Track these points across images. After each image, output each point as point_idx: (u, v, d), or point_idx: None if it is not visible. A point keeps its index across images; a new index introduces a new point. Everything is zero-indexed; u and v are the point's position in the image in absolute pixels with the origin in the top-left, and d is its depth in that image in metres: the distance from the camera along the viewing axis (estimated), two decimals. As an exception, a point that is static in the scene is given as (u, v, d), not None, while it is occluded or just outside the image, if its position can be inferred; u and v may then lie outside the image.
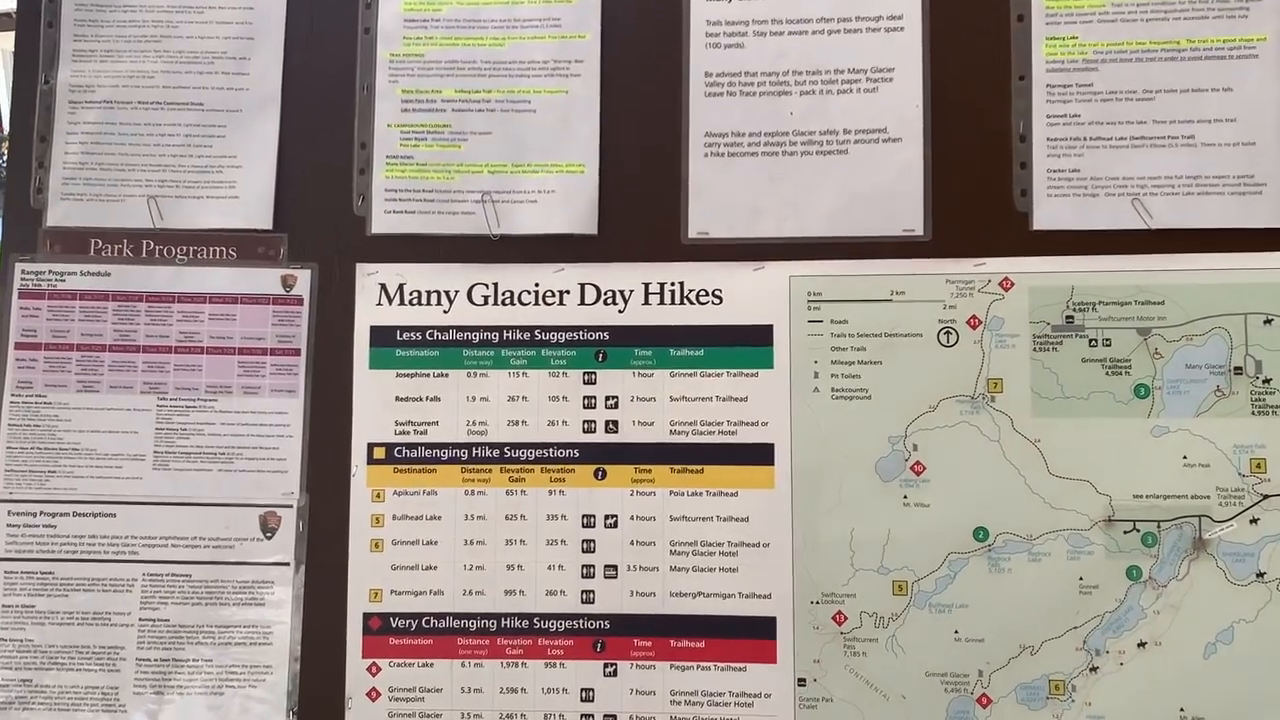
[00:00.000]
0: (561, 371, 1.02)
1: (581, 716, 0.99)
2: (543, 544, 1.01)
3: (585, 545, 1.01)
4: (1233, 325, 0.96)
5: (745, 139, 1.02)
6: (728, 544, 0.99)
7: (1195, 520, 0.95)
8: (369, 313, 1.04)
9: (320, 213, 1.05)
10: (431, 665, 1.00)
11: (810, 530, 0.99)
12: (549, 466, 1.01)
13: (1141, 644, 0.95)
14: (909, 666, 0.97)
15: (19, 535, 1.02)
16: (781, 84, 1.03)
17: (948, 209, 1.00)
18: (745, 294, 1.01)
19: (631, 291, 1.02)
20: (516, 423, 1.02)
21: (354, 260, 1.04)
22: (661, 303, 1.02)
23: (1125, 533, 0.95)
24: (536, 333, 1.03)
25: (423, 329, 1.03)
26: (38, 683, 1.01)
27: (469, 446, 1.02)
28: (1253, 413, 0.95)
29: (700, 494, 1.00)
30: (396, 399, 1.03)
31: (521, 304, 1.03)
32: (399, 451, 1.02)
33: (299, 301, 1.04)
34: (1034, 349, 0.98)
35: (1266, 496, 0.95)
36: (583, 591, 1.00)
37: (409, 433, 1.03)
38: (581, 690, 1.00)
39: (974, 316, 0.99)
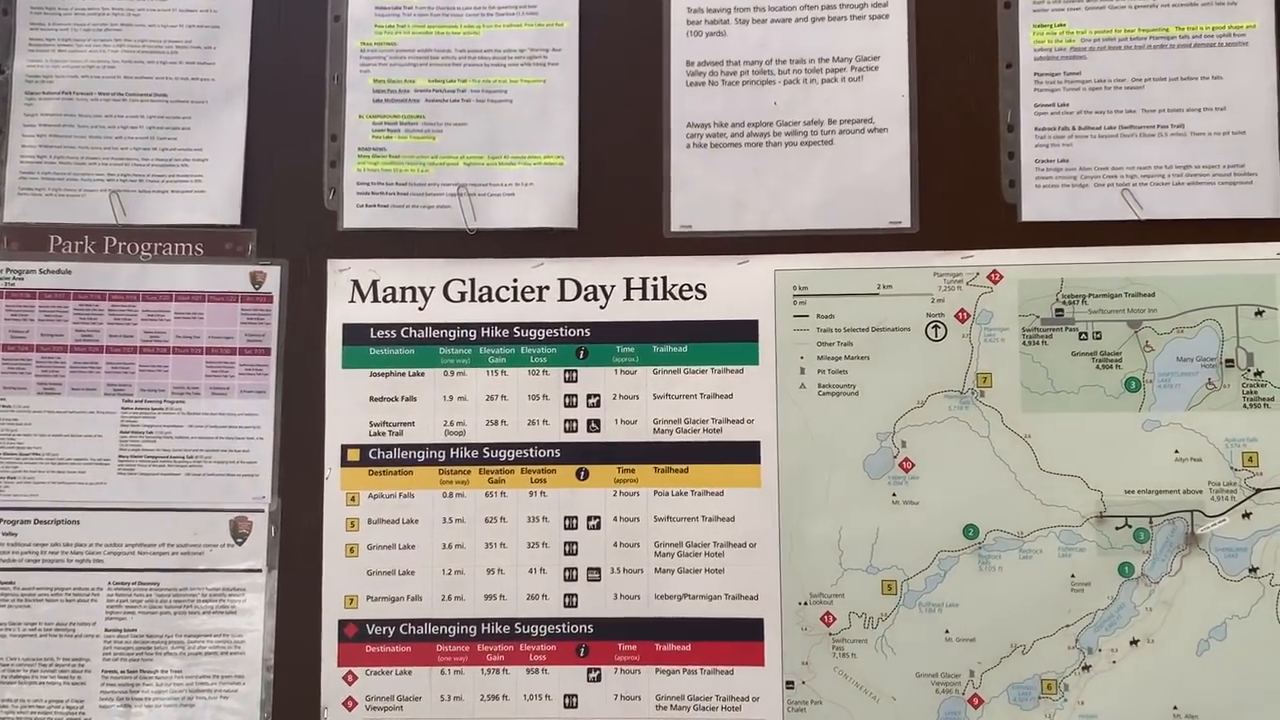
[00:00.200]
0: (541, 369, 1.00)
1: (565, 723, 0.98)
2: (523, 547, 0.99)
3: (567, 547, 0.99)
4: (1224, 317, 0.95)
5: (728, 129, 1.00)
6: (713, 544, 0.98)
7: (1187, 515, 0.94)
8: (341, 310, 1.01)
9: (290, 207, 1.02)
10: (410, 673, 0.98)
11: (797, 530, 0.97)
12: (529, 467, 0.99)
13: (1134, 641, 0.94)
14: (899, 667, 0.96)
15: (-22, 544, 1.00)
16: (765, 73, 1.01)
17: (935, 200, 0.99)
18: (729, 288, 1.00)
19: (613, 287, 1.00)
20: (496, 422, 1.00)
21: (325, 256, 1.02)
22: (644, 298, 1.00)
23: (1117, 529, 0.95)
24: (515, 330, 1.01)
25: (397, 327, 1.01)
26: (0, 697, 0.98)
27: (446, 447, 1.00)
28: (1244, 405, 0.95)
29: (685, 494, 0.98)
30: (371, 399, 1.01)
31: (499, 300, 1.01)
32: (374, 453, 1.00)
33: (268, 299, 1.02)
34: (1023, 343, 0.97)
35: (1259, 490, 0.94)
36: (565, 595, 0.99)
37: (384, 434, 1.00)
38: (565, 696, 0.98)
39: (962, 310, 0.98)
